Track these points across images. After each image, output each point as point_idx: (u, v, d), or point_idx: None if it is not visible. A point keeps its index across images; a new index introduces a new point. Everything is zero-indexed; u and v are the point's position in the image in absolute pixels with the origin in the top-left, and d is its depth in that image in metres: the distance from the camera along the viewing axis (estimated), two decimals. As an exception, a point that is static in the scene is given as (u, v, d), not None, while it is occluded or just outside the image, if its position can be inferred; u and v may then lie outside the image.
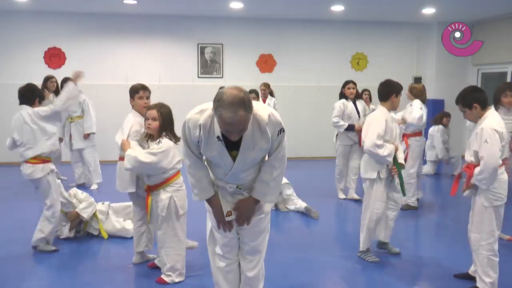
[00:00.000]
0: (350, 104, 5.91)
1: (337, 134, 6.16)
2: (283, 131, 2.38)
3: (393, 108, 3.97)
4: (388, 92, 3.88)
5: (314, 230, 4.93)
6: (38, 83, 7.78)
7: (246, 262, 2.70)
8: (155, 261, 3.77)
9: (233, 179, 2.46)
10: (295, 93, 9.09)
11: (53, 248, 4.13)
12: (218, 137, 2.30)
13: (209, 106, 2.29)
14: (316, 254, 4.18)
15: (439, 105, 9.38)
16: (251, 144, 2.32)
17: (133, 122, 3.63)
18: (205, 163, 2.57)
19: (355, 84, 6.00)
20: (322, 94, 9.34)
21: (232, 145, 2.31)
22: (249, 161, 2.39)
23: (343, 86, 6.02)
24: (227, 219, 2.53)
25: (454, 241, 4.53)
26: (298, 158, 9.14)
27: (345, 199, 6.10)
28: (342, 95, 6.00)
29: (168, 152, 3.34)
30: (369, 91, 7.14)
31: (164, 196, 3.39)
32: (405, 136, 5.46)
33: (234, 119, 2.10)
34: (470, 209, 3.35)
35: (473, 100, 3.24)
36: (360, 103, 6.03)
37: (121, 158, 3.63)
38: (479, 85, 9.22)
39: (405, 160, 5.49)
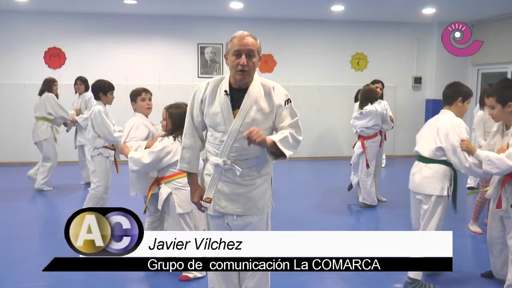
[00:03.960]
0: None
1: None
2: (290, 101, 2.50)
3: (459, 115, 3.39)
4: (455, 94, 3.39)
5: (317, 229, 4.92)
6: (38, 83, 7.82)
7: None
8: None
9: (228, 148, 2.41)
10: (295, 93, 9.06)
11: None
12: (225, 91, 2.43)
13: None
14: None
15: (439, 105, 9.25)
16: (253, 101, 2.41)
17: (134, 124, 3.75)
18: (204, 140, 2.63)
19: (383, 84, 6.01)
20: (322, 94, 9.35)
21: (236, 105, 2.42)
22: (248, 121, 2.38)
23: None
24: (203, 203, 2.52)
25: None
26: (298, 158, 9.13)
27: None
28: None
29: (167, 149, 3.42)
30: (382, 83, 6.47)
31: (164, 190, 3.48)
32: (361, 138, 5.55)
33: (244, 37, 2.38)
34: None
35: (510, 98, 3.09)
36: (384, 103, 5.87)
37: None
38: (479, 85, 9.24)
39: (367, 164, 5.55)
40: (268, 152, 2.39)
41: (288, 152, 2.39)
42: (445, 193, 3.28)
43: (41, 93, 6.50)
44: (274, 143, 2.33)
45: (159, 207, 3.52)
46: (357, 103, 6.09)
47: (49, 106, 6.36)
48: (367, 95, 5.55)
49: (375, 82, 6.10)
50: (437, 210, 3.30)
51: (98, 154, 4.63)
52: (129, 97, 3.94)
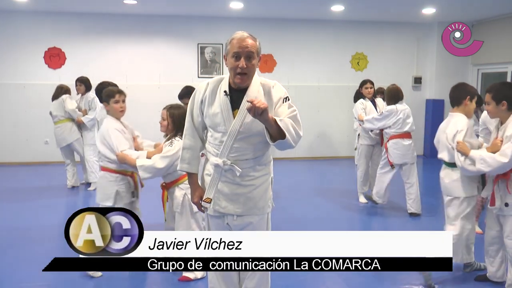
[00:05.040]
0: (368, 103, 5.87)
1: (358, 134, 6.04)
2: (288, 99, 2.47)
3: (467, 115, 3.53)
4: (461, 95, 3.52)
5: (317, 229, 4.91)
6: (38, 83, 7.84)
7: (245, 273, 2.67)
8: None
9: (228, 149, 2.41)
10: (295, 93, 9.06)
11: None
12: (225, 91, 2.42)
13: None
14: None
15: (439, 105, 9.38)
16: None
17: (114, 130, 3.54)
18: (204, 140, 2.63)
19: (372, 83, 5.99)
20: (322, 94, 9.35)
21: (235, 105, 2.41)
22: (248, 121, 2.35)
23: (361, 86, 5.98)
24: (203, 204, 2.53)
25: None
26: (298, 158, 9.14)
27: (367, 203, 5.88)
28: (360, 95, 6.00)
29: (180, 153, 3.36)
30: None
31: (178, 193, 3.47)
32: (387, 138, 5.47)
33: (244, 39, 2.35)
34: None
35: (505, 97, 3.17)
36: (379, 101, 5.95)
37: (104, 169, 3.59)
38: (479, 85, 9.24)
39: (391, 164, 5.45)
40: (267, 133, 2.33)
41: (286, 133, 2.29)
42: (475, 193, 3.46)
43: (56, 97, 6.49)
44: (274, 121, 2.29)
45: (178, 210, 3.46)
46: (356, 105, 6.08)
47: (65, 104, 6.39)
48: (393, 95, 5.38)
49: (365, 82, 6.06)
50: (467, 210, 3.46)
51: None
52: (102, 96, 3.71)
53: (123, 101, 3.66)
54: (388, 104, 5.43)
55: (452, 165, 3.48)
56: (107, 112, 3.70)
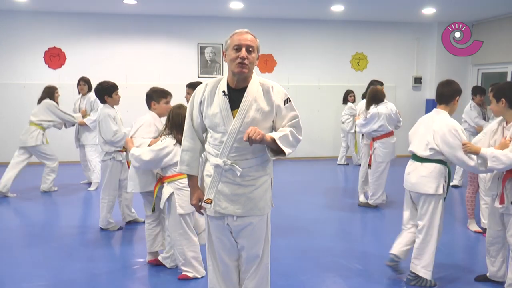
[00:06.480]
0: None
1: (362, 134, 6.05)
2: (290, 100, 2.49)
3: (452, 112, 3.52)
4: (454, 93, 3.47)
5: (315, 231, 4.92)
6: (38, 82, 7.83)
7: (245, 271, 2.67)
8: (159, 258, 3.80)
9: (228, 149, 2.41)
10: (295, 93, 9.08)
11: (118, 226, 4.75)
12: (223, 91, 2.42)
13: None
14: (317, 253, 4.18)
15: (439, 105, 9.38)
16: (252, 101, 2.40)
17: (145, 122, 3.81)
18: (203, 140, 2.63)
19: (382, 84, 6.01)
20: (322, 93, 9.36)
21: (234, 105, 2.41)
22: (248, 121, 2.36)
23: (373, 85, 6.00)
24: (204, 205, 2.51)
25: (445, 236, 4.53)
26: (298, 158, 9.14)
27: (367, 202, 5.84)
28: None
29: (168, 150, 3.46)
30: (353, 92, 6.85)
31: (166, 190, 3.51)
32: (372, 139, 5.56)
33: (244, 33, 2.40)
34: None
35: (503, 95, 3.22)
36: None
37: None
38: (479, 85, 9.23)
39: (369, 164, 5.59)
40: (268, 149, 2.40)
41: (287, 150, 2.39)
42: (441, 191, 3.35)
43: (41, 100, 6.32)
44: (274, 140, 2.35)
45: (161, 206, 3.57)
46: (348, 104, 6.09)
47: (52, 115, 6.23)
48: (373, 97, 5.49)
49: (375, 82, 6.07)
50: (437, 209, 3.37)
51: (110, 159, 4.61)
52: (152, 93, 3.92)
53: (167, 102, 3.95)
54: (368, 106, 5.52)
55: (422, 159, 3.39)
56: (153, 109, 3.94)
